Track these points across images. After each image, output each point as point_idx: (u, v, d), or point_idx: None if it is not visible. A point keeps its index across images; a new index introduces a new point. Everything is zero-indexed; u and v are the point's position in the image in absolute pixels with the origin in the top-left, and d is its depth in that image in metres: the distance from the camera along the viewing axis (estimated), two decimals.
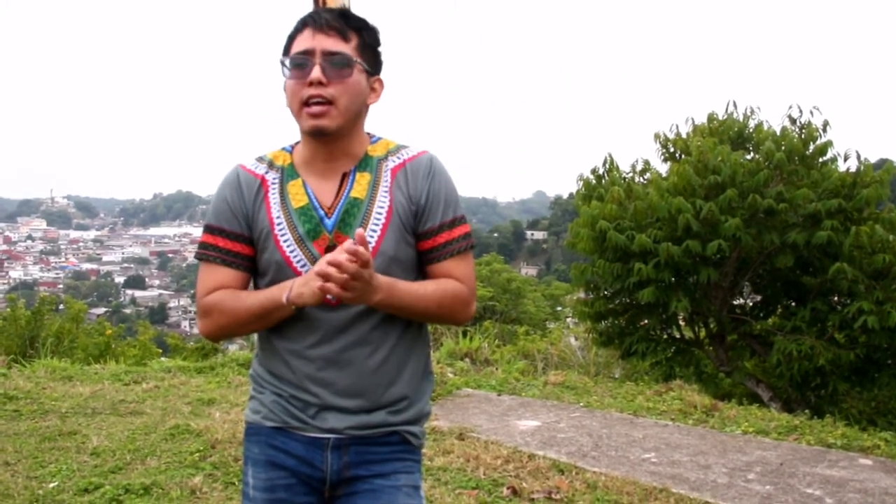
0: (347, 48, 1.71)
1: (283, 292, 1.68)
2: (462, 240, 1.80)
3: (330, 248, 1.72)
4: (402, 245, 1.75)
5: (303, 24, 1.74)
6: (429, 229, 1.78)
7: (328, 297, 1.62)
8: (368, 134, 1.84)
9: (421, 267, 1.81)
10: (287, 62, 1.72)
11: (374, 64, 1.78)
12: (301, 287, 1.65)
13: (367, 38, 1.76)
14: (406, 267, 1.78)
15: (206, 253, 1.80)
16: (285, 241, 1.75)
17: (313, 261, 1.72)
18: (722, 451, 4.79)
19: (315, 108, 1.69)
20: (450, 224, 1.79)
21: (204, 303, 1.78)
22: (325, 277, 1.58)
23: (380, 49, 1.80)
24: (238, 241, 1.79)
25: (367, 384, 1.76)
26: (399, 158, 1.81)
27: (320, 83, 1.68)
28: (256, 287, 1.82)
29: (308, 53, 1.70)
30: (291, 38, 1.75)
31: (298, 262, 1.74)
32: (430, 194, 1.78)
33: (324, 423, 1.76)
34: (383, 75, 1.82)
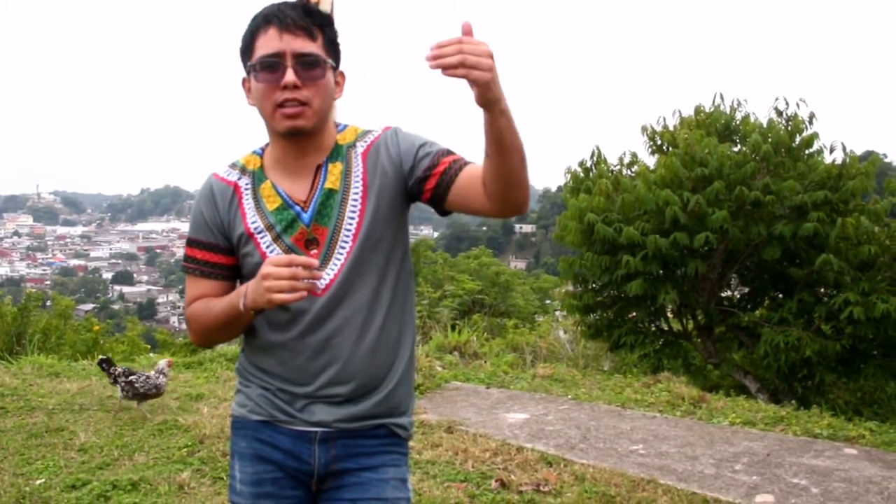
0: (316, 47, 1.69)
1: (239, 299, 1.68)
2: (462, 159, 1.75)
3: (309, 241, 1.74)
4: (382, 228, 1.75)
5: (266, 22, 1.68)
6: (429, 165, 1.73)
7: (315, 290, 1.62)
8: (335, 123, 1.84)
9: (438, 203, 1.74)
10: (256, 65, 1.68)
11: (336, 59, 1.76)
12: (253, 293, 1.63)
13: (329, 33, 1.73)
14: (387, 249, 1.77)
15: (187, 265, 1.84)
16: (264, 242, 1.75)
17: None
18: (709, 442, 4.82)
19: (290, 110, 1.67)
20: (445, 152, 1.75)
21: (187, 313, 1.84)
22: (269, 277, 1.57)
23: (338, 41, 1.77)
24: (214, 251, 1.81)
25: (355, 371, 1.75)
26: (366, 142, 1.80)
27: (295, 86, 1.66)
28: None
29: (279, 56, 1.66)
30: (253, 36, 1.70)
31: None
32: (411, 146, 1.76)
33: (311, 417, 1.76)
34: (352, 67, 1.82)
